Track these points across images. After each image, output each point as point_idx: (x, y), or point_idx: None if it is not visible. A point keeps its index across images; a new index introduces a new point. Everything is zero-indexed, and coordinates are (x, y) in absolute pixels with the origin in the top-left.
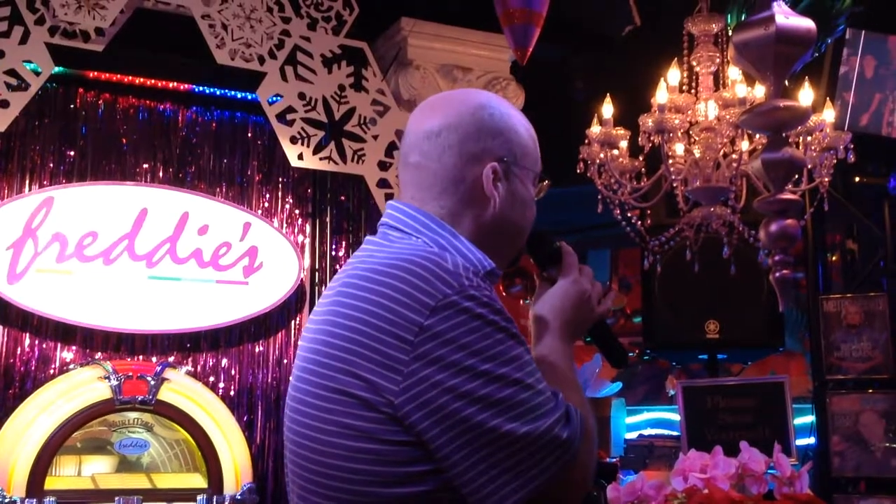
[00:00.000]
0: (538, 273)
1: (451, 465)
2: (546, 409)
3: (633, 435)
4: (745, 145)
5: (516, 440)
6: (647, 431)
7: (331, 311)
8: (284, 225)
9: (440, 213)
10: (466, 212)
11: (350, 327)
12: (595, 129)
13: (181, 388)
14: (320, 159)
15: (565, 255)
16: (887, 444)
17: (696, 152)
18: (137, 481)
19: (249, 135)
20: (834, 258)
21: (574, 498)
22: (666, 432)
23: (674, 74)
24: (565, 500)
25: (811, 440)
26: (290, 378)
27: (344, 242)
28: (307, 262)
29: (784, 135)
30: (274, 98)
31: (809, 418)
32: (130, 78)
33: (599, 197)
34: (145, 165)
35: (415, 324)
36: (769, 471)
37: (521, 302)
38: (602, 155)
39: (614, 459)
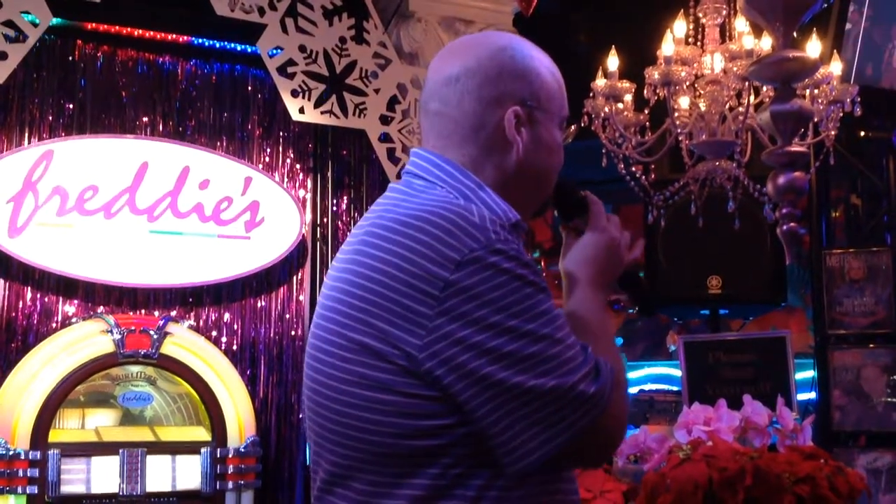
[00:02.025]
0: (563, 224)
1: (477, 419)
2: (575, 364)
3: (633, 390)
4: (750, 99)
5: (543, 394)
6: (648, 387)
7: (353, 259)
8: (286, 180)
9: (463, 161)
10: (489, 159)
11: (372, 278)
12: (600, 82)
13: (184, 342)
14: (321, 113)
15: (591, 204)
16: (888, 399)
17: (702, 105)
18: (141, 434)
19: (250, 88)
20: (837, 213)
21: (607, 449)
22: (666, 387)
23: (680, 26)
24: (598, 452)
25: (812, 395)
26: (311, 326)
27: (345, 197)
28: (309, 217)
29: (792, 86)
30: (274, 51)
31: (810, 373)
32: (129, 30)
33: (604, 151)
34: (145, 119)
35: (440, 278)
36: (772, 424)
37: None
38: (607, 108)
39: None
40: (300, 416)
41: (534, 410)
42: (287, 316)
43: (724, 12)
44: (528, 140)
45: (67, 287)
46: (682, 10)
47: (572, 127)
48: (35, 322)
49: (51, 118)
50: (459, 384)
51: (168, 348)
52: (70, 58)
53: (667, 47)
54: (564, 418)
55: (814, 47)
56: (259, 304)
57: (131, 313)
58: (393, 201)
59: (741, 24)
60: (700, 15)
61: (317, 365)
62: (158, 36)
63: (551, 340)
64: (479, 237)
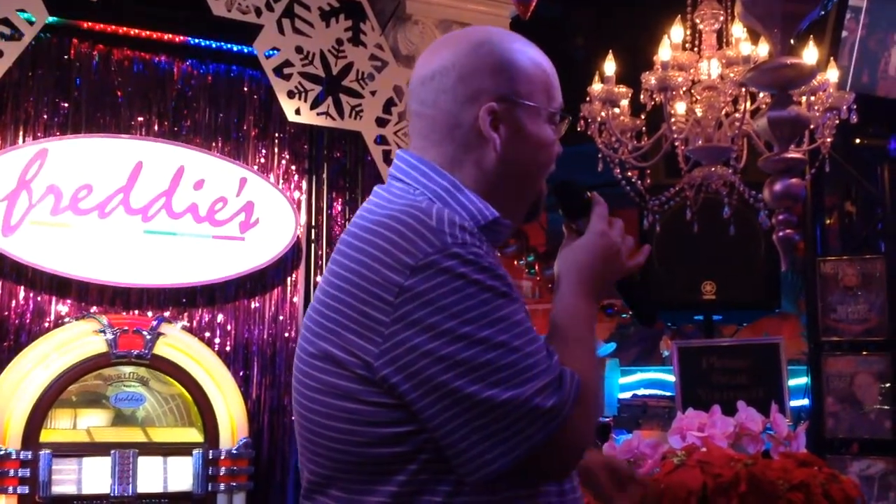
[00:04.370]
0: (566, 224)
1: (433, 429)
2: (533, 374)
3: (626, 395)
4: (747, 105)
5: (497, 406)
6: (641, 392)
7: (328, 268)
8: (280, 181)
9: (442, 161)
10: (468, 158)
11: (339, 286)
12: (596, 87)
13: (177, 342)
14: (317, 114)
15: (595, 205)
16: (881, 406)
17: (698, 111)
18: (133, 435)
19: (245, 89)
20: (832, 220)
21: (567, 464)
22: (659, 392)
23: (677, 32)
24: (557, 466)
25: (805, 401)
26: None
27: (340, 199)
28: (303, 218)
29: (789, 93)
30: (271, 52)
31: (803, 380)
32: (125, 29)
33: (599, 156)
34: (140, 118)
35: (395, 284)
36: (766, 430)
37: (515, 262)
38: (603, 113)
39: (608, 419)
40: (293, 418)
41: (488, 422)
42: (281, 317)
43: (722, 18)
44: (508, 136)
45: (60, 286)
46: (679, 16)
47: (566, 119)
48: (28, 321)
49: (45, 117)
50: (414, 392)
51: (161, 349)
52: (65, 56)
53: (664, 52)
54: (519, 432)
55: (810, 54)
56: (253, 306)
57: (124, 313)
58: (371, 206)
59: (738, 30)
60: (697, 21)
61: (297, 374)
62: (154, 35)
63: (508, 348)
64: (435, 241)
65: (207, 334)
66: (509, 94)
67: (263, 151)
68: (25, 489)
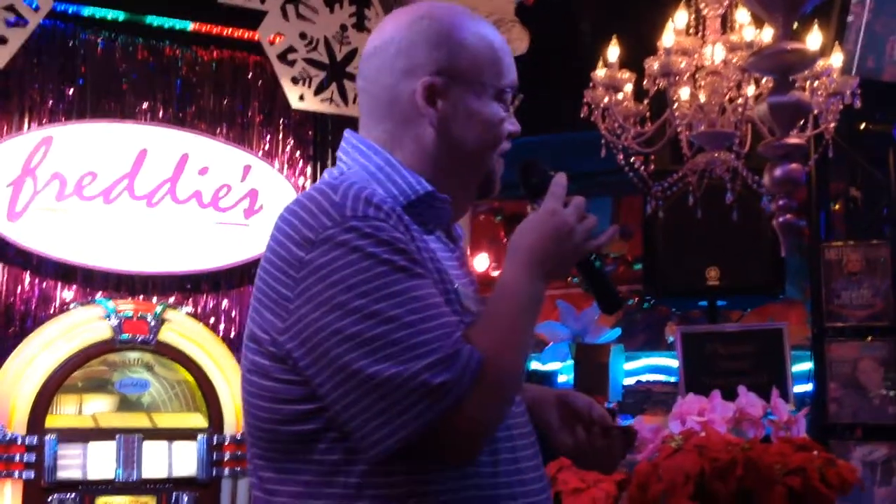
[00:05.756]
0: (530, 204)
1: (329, 405)
2: (424, 350)
3: (631, 381)
4: (750, 90)
5: (382, 383)
6: (646, 377)
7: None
8: (285, 167)
9: (382, 138)
10: (407, 133)
11: (262, 267)
12: (600, 72)
13: (181, 328)
14: (321, 101)
15: (552, 184)
16: (885, 392)
17: (702, 97)
18: (138, 420)
19: (250, 75)
20: (837, 206)
21: (467, 447)
22: (664, 378)
23: (681, 17)
24: (456, 448)
25: (809, 387)
26: None
27: None
28: None
29: (791, 78)
30: (275, 38)
31: (807, 366)
32: (130, 15)
33: (603, 142)
34: (145, 105)
35: (297, 259)
36: (766, 415)
37: None
38: (606, 99)
39: (612, 405)
40: None
41: (377, 399)
42: None
43: (726, 3)
44: (447, 112)
45: (65, 272)
46: (683, 1)
47: (518, 98)
48: (33, 307)
49: (51, 103)
50: (313, 367)
51: (165, 335)
52: (70, 43)
53: (667, 38)
54: (407, 409)
55: (815, 38)
56: None
57: (129, 299)
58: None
59: (742, 15)
60: (701, 5)
61: (242, 359)
62: (159, 22)
63: (400, 323)
64: (334, 214)
65: (212, 320)
66: (448, 68)
67: (268, 138)
68: (31, 474)
